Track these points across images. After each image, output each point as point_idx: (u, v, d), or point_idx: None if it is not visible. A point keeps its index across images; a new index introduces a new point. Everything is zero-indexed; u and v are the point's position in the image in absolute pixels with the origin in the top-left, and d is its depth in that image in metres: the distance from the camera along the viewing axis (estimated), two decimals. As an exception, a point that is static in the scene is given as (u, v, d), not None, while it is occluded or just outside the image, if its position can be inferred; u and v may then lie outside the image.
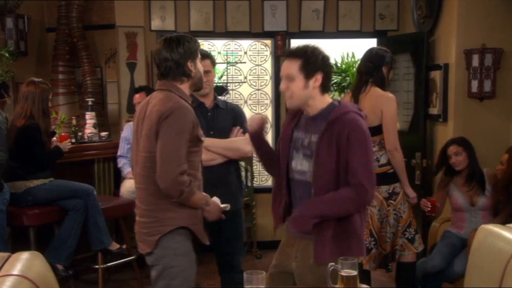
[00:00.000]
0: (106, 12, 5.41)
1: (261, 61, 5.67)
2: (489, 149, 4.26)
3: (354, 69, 5.99)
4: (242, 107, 5.62)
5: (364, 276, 3.57)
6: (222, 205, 2.75)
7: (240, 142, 3.24)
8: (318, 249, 2.39)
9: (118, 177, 4.94)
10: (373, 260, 3.63)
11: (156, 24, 5.30)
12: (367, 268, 3.67)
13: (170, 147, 2.44)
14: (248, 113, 5.69)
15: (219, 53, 5.64)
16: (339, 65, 6.45)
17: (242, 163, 5.47)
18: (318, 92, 2.42)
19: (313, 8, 5.43)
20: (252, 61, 5.67)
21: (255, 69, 5.68)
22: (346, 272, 2.08)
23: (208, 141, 3.03)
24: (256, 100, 5.71)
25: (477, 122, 4.44)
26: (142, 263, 4.66)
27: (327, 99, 2.48)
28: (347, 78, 6.22)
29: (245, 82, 5.69)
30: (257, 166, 5.70)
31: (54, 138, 4.23)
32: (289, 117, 2.61)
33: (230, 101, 5.57)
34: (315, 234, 2.38)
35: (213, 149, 3.16)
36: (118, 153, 4.80)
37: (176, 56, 2.54)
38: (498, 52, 4.35)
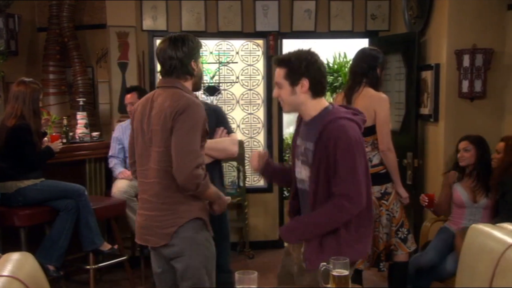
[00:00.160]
0: (97, 12, 5.38)
1: (253, 61, 5.66)
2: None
3: (346, 69, 6.02)
4: (234, 107, 5.68)
5: (356, 275, 3.59)
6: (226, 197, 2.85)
7: (226, 143, 3.27)
8: (307, 256, 2.44)
9: (110, 177, 4.92)
10: (367, 260, 3.64)
11: (147, 24, 5.29)
12: (361, 268, 3.68)
13: (186, 141, 2.50)
14: (240, 113, 5.70)
15: (211, 53, 5.63)
16: (331, 65, 6.49)
17: (234, 163, 5.48)
18: (308, 97, 2.43)
19: (305, 8, 5.43)
20: (244, 61, 5.66)
21: (247, 69, 5.67)
22: (337, 271, 2.08)
23: None
24: (248, 100, 5.70)
25: (468, 122, 4.46)
26: (134, 263, 4.68)
27: (322, 103, 2.48)
28: (339, 78, 6.25)
29: (237, 82, 5.68)
30: (249, 166, 5.69)
31: (46, 139, 4.21)
32: (297, 123, 2.64)
33: (222, 101, 5.59)
34: (305, 241, 2.45)
35: None
36: (110, 153, 4.78)
37: (181, 55, 2.60)
38: (489, 52, 4.37)
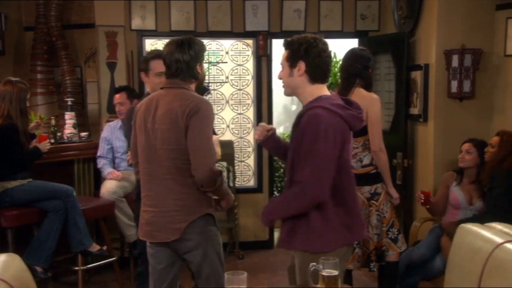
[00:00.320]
0: (86, 11, 5.35)
1: (242, 61, 5.65)
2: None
3: (336, 69, 6.02)
4: (223, 107, 5.66)
5: (346, 275, 3.58)
6: None
7: None
8: (281, 236, 2.53)
9: (98, 178, 4.89)
10: (358, 260, 3.65)
11: (136, 23, 5.25)
12: (351, 268, 3.68)
13: (204, 139, 2.59)
14: (230, 113, 5.68)
15: (201, 52, 5.60)
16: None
17: (224, 163, 5.46)
18: (305, 81, 2.45)
19: (295, 8, 5.43)
20: (233, 61, 5.65)
21: (237, 69, 5.66)
22: (327, 272, 2.07)
23: None
24: (238, 100, 5.69)
25: (457, 122, 4.48)
26: (123, 264, 4.65)
27: (320, 90, 2.47)
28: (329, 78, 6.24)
29: (226, 82, 5.67)
30: (239, 166, 5.68)
31: (34, 141, 4.17)
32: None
33: (212, 101, 5.57)
34: (281, 222, 2.55)
35: None
36: (98, 154, 4.76)
37: (187, 58, 2.67)
38: (477, 52, 4.39)
